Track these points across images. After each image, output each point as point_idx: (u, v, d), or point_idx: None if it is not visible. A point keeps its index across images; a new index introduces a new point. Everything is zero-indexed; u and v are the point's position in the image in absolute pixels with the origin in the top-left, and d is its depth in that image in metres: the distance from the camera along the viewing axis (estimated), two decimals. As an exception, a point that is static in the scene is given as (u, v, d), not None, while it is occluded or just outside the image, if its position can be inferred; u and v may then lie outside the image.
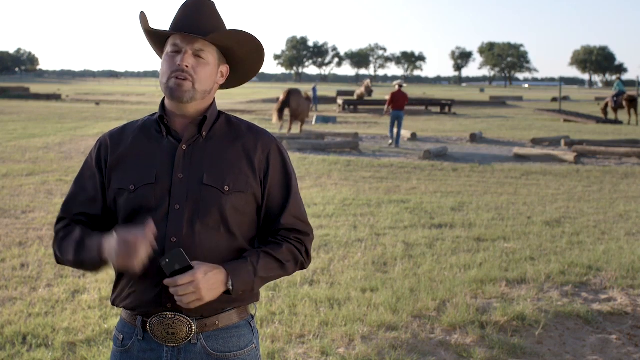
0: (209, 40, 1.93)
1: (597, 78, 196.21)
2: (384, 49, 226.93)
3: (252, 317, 2.06)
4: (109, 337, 4.39)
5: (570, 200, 10.11)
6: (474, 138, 19.80)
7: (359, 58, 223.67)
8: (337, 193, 10.16)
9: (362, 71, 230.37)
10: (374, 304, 5.09)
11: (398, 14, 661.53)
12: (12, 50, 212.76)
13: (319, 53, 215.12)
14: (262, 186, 1.98)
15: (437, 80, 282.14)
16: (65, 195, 2.08)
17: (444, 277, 5.83)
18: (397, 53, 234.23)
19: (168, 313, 1.88)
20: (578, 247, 7.03)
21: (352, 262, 6.32)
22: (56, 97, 47.39)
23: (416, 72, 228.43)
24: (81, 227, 1.97)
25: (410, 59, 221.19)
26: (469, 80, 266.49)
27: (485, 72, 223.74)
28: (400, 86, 18.89)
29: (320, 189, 10.62)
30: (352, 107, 36.93)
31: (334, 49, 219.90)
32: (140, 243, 1.75)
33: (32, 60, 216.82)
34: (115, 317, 4.74)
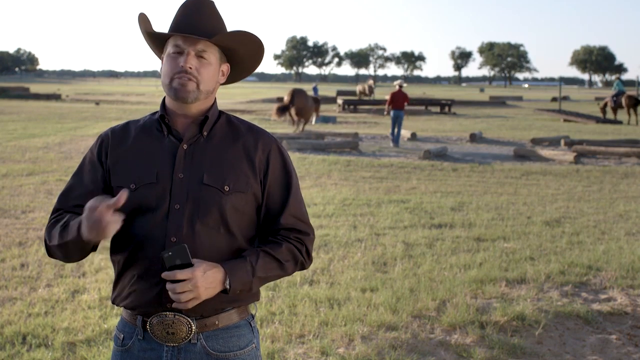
0: (213, 42, 1.94)
1: (597, 78, 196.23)
2: (384, 49, 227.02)
3: (252, 316, 2.06)
4: (109, 337, 4.39)
5: (570, 200, 10.11)
6: (474, 138, 19.80)
7: (359, 58, 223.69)
8: (337, 193, 10.17)
9: (362, 71, 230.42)
10: (373, 304, 5.09)
11: (398, 14, 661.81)
12: (12, 50, 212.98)
13: (319, 53, 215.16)
14: (262, 186, 1.99)
15: (437, 80, 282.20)
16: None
17: (444, 277, 5.83)
18: (397, 53, 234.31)
19: (168, 313, 1.87)
20: (578, 247, 7.03)
21: (352, 262, 6.32)
22: (56, 97, 47.39)
23: (416, 72, 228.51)
24: (72, 214, 1.95)
25: (410, 58, 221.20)
26: (468, 80, 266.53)
27: (485, 72, 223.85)
28: (401, 86, 18.92)
29: (320, 188, 10.62)
30: (352, 107, 36.93)
31: (334, 48, 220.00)
32: (105, 210, 1.73)
33: (32, 60, 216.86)
34: (115, 317, 4.74)
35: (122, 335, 1.98)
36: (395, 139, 17.95)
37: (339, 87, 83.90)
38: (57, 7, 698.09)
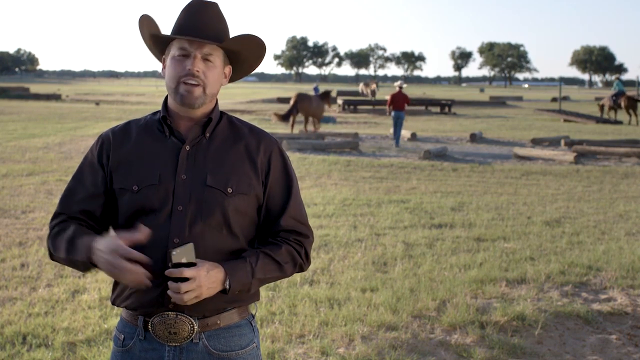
0: (223, 47, 1.95)
1: (597, 78, 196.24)
2: (384, 49, 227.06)
3: (253, 316, 2.06)
4: (109, 337, 4.39)
5: (570, 200, 10.11)
6: (474, 138, 19.80)
7: (359, 58, 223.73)
8: (337, 193, 10.17)
9: (362, 71, 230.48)
10: (374, 304, 5.09)
11: (398, 14, 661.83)
12: (12, 50, 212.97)
13: (319, 53, 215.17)
14: (263, 187, 1.99)
15: (437, 80, 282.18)
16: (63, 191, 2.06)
17: (444, 277, 5.83)
18: (397, 53, 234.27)
19: (170, 313, 1.88)
20: (578, 247, 7.03)
21: (352, 262, 6.32)
22: (56, 97, 47.38)
23: (416, 72, 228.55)
24: (76, 224, 1.94)
25: (410, 59, 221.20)
26: (469, 80, 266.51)
27: (485, 72, 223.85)
28: (400, 87, 18.96)
29: (320, 189, 10.62)
30: (352, 107, 36.93)
31: (334, 49, 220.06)
32: (127, 270, 1.75)
33: (32, 60, 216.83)
34: (115, 317, 4.74)
35: (122, 336, 1.98)
36: (396, 139, 17.97)
37: (339, 87, 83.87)
38: (57, 7, 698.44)
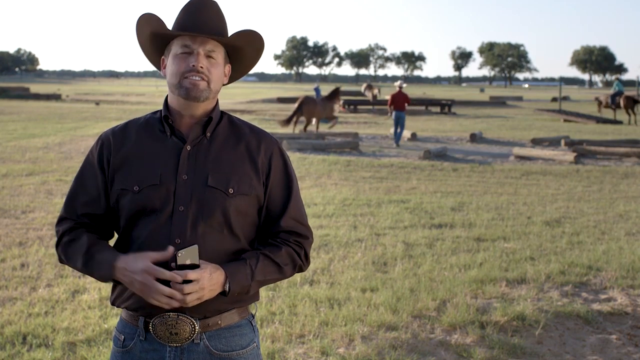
0: (225, 42, 1.95)
1: (597, 78, 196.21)
2: (384, 49, 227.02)
3: (253, 316, 2.06)
4: (109, 337, 4.39)
5: (570, 200, 10.11)
6: (474, 138, 19.80)
7: (359, 58, 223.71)
8: (337, 193, 10.17)
9: (362, 71, 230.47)
10: (374, 304, 5.09)
11: (398, 14, 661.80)
12: (12, 50, 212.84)
13: (319, 53, 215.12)
14: (264, 187, 1.99)
15: (437, 80, 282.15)
16: (66, 193, 2.07)
17: (444, 277, 5.83)
18: (397, 53, 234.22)
19: (171, 313, 1.87)
20: (578, 247, 7.03)
21: (352, 262, 6.32)
22: (56, 97, 47.36)
23: (416, 72, 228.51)
24: (87, 233, 1.96)
25: (410, 59, 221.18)
26: (469, 80, 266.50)
27: (485, 72, 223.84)
28: (400, 87, 19.00)
29: (320, 189, 10.62)
30: (352, 107, 36.91)
31: (334, 49, 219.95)
32: (161, 291, 1.78)
33: (32, 60, 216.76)
34: (115, 317, 4.74)
35: (122, 337, 1.97)
36: (396, 138, 18.00)
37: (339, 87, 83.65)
38: (57, 7, 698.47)
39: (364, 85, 47.35)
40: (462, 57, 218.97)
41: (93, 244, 1.92)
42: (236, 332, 1.97)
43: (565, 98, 58.84)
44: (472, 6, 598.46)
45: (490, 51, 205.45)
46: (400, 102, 18.45)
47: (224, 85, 2.05)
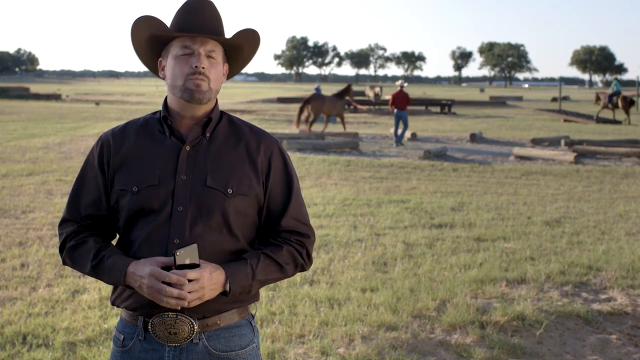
0: (228, 42, 1.95)
1: (597, 78, 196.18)
2: (384, 49, 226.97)
3: (253, 316, 2.06)
4: (109, 337, 4.39)
5: (570, 200, 10.11)
6: (474, 138, 19.80)
7: (359, 58, 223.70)
8: (337, 193, 10.17)
9: (362, 71, 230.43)
10: (374, 304, 5.09)
11: (398, 14, 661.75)
12: (12, 50, 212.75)
13: (319, 53, 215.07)
14: (264, 188, 1.99)
15: (437, 80, 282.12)
16: (67, 194, 2.08)
17: (444, 277, 5.83)
18: (397, 53, 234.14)
19: (170, 313, 1.88)
20: (578, 247, 7.03)
21: (352, 262, 6.32)
22: (56, 97, 47.35)
23: (416, 72, 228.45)
24: (93, 237, 1.97)
25: (410, 59, 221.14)
26: (469, 80, 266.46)
27: (485, 72, 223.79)
28: (402, 87, 19.05)
29: (320, 189, 10.62)
30: (352, 107, 36.88)
31: (334, 49, 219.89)
32: (169, 293, 1.79)
33: (32, 60, 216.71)
34: (115, 317, 4.74)
35: (122, 336, 1.98)
36: (399, 137, 18.07)
37: (340, 87, 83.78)
38: (57, 7, 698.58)
39: (367, 88, 47.32)
40: (462, 57, 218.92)
41: (100, 248, 1.93)
42: (235, 332, 1.97)
43: (565, 98, 58.85)
44: (472, 6, 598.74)
45: (490, 51, 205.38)
46: (401, 101, 18.50)
47: (222, 83, 2.06)
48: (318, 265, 6.15)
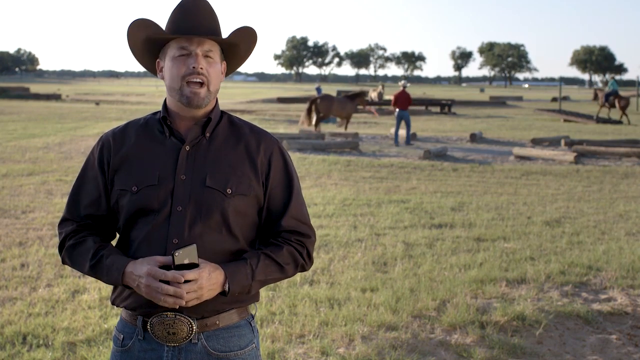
0: (225, 41, 1.95)
1: (597, 78, 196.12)
2: (384, 49, 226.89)
3: (252, 316, 2.06)
4: (109, 337, 4.39)
5: (570, 200, 10.11)
6: (474, 138, 19.80)
7: (359, 58, 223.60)
8: (337, 193, 10.17)
9: (362, 71, 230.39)
10: (374, 304, 5.09)
11: (398, 14, 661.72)
12: (12, 50, 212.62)
13: (319, 53, 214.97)
14: (263, 188, 1.99)
15: (437, 80, 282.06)
16: (67, 194, 2.08)
17: (444, 277, 5.83)
18: (397, 53, 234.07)
19: (169, 313, 1.88)
20: (578, 247, 7.03)
21: (352, 262, 6.32)
22: (56, 97, 47.36)
23: (416, 72, 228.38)
24: (92, 237, 1.97)
25: (410, 59, 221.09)
26: (469, 80, 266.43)
27: (485, 72, 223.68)
28: (404, 87, 19.17)
29: (320, 189, 10.62)
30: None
31: (334, 49, 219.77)
32: (165, 291, 1.79)
33: (32, 60, 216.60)
34: (115, 317, 4.74)
35: (121, 336, 1.98)
36: (407, 138, 18.18)
37: (340, 87, 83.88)
38: (57, 7, 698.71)
39: (371, 90, 47.34)
40: (462, 57, 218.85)
41: (99, 248, 1.93)
42: (235, 333, 1.97)
43: (565, 98, 58.84)
44: (472, 6, 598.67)
45: (490, 51, 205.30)
46: (403, 101, 18.59)
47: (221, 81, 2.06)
48: (318, 265, 6.15)
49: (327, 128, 23.20)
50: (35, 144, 16.32)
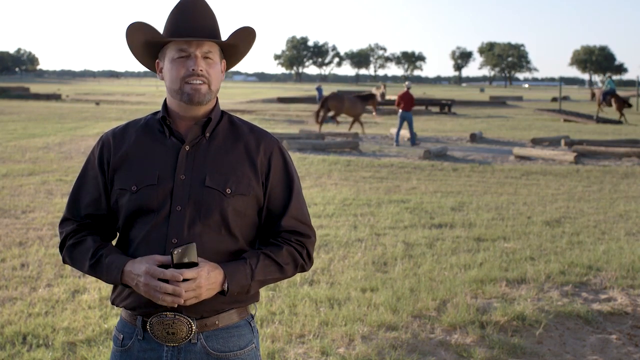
0: (230, 42, 1.96)
1: (597, 78, 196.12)
2: (384, 49, 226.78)
3: (252, 316, 2.06)
4: (109, 337, 4.39)
5: (570, 200, 10.11)
6: (474, 138, 19.80)
7: (359, 58, 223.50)
8: (337, 193, 10.17)
9: (362, 71, 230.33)
10: (374, 304, 5.09)
11: (398, 14, 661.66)
12: (12, 50, 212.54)
13: (319, 53, 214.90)
14: (263, 188, 1.99)
15: (437, 80, 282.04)
16: (67, 194, 2.08)
17: (444, 277, 5.83)
18: (397, 53, 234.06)
19: (168, 313, 1.87)
20: (578, 247, 7.03)
21: (352, 262, 6.32)
22: (56, 97, 47.36)
23: (416, 72, 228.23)
24: (92, 236, 1.97)
25: (410, 59, 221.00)
26: (469, 80, 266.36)
27: (485, 72, 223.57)
28: (408, 88, 19.29)
29: (320, 189, 10.62)
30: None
31: (334, 48, 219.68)
32: (164, 289, 1.78)
33: (32, 60, 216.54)
34: (115, 317, 4.74)
35: (121, 336, 1.98)
36: (412, 138, 18.21)
37: (340, 87, 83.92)
38: (57, 7, 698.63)
39: (374, 89, 47.34)
40: (462, 57, 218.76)
41: (99, 247, 1.94)
42: (234, 333, 1.97)
43: (565, 98, 58.84)
44: (472, 6, 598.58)
45: (490, 51, 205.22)
46: (407, 102, 18.65)
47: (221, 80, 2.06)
48: (318, 265, 6.15)
49: (327, 128, 23.18)
50: (35, 144, 16.32)
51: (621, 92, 38.10)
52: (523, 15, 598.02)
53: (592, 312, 5.07)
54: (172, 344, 1.90)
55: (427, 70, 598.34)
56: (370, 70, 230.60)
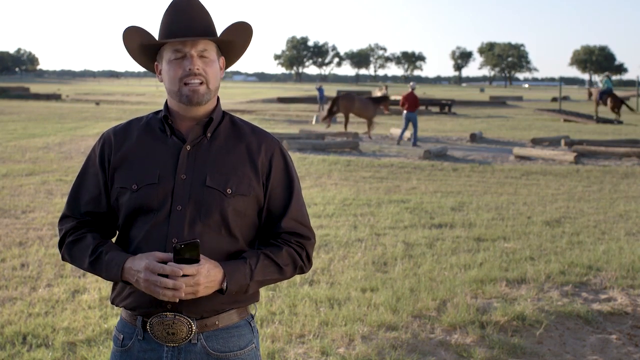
0: (222, 38, 1.95)
1: (597, 78, 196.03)
2: (384, 49, 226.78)
3: (252, 317, 2.06)
4: (109, 337, 4.39)
5: (570, 200, 10.11)
6: (474, 138, 19.81)
7: (359, 58, 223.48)
8: (337, 193, 10.17)
9: (362, 71, 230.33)
10: (374, 304, 5.09)
11: (398, 14, 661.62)
12: (12, 50, 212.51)
13: (319, 53, 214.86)
14: (264, 189, 1.98)
15: (437, 80, 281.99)
16: (67, 193, 2.08)
17: (444, 277, 5.83)
18: (397, 53, 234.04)
19: (168, 313, 1.87)
20: (578, 247, 7.03)
21: (352, 262, 6.32)
22: (56, 97, 47.37)
23: (416, 72, 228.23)
24: (92, 233, 1.97)
25: (410, 59, 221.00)
26: (469, 80, 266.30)
27: (485, 72, 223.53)
28: (413, 88, 19.34)
29: (320, 189, 10.62)
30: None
31: (334, 48, 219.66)
32: (164, 284, 1.78)
33: (32, 60, 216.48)
34: (115, 317, 4.74)
35: (121, 336, 1.98)
36: (414, 139, 18.21)
37: (340, 87, 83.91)
38: (57, 7, 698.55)
39: (376, 89, 47.33)
40: (462, 57, 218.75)
41: (99, 244, 1.93)
42: (234, 333, 1.97)
43: (565, 98, 58.84)
44: (472, 6, 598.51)
45: (490, 51, 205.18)
46: (412, 103, 18.69)
47: (221, 77, 2.06)
48: (318, 265, 6.15)
49: (329, 127, 23.18)
50: (35, 144, 16.32)
51: (621, 92, 38.13)
52: (523, 15, 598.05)
53: (592, 312, 5.07)
54: (172, 344, 1.90)
55: (427, 70, 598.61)
56: (370, 70, 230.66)
